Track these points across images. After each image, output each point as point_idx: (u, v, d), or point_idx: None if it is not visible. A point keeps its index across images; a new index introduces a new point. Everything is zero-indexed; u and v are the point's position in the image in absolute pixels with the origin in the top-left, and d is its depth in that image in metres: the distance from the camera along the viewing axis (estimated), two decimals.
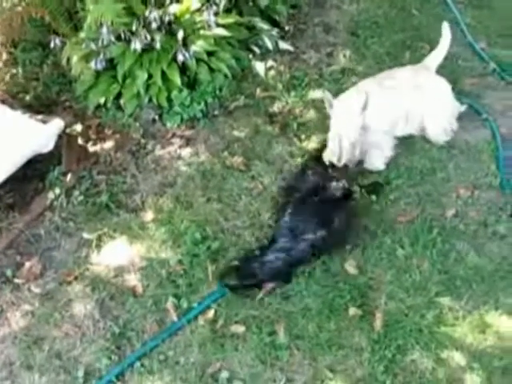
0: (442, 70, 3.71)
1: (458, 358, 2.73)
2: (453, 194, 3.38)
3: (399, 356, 2.74)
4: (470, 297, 2.93)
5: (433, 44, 4.17)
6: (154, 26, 3.69)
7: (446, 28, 3.69)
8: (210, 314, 2.93)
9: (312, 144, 3.67)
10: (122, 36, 3.71)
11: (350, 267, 3.06)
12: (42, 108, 3.86)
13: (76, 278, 3.13)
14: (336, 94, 3.90)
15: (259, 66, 4.12)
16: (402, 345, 2.77)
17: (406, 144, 3.62)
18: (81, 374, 2.78)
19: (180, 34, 3.69)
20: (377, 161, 3.51)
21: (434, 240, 3.15)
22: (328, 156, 3.39)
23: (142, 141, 3.77)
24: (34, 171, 3.53)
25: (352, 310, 2.89)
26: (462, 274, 3.02)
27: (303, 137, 3.73)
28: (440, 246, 3.13)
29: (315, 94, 3.97)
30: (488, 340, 2.77)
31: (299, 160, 3.58)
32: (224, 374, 2.73)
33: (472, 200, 3.35)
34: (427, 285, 2.98)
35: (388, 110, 3.50)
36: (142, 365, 2.79)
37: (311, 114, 3.86)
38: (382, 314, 2.87)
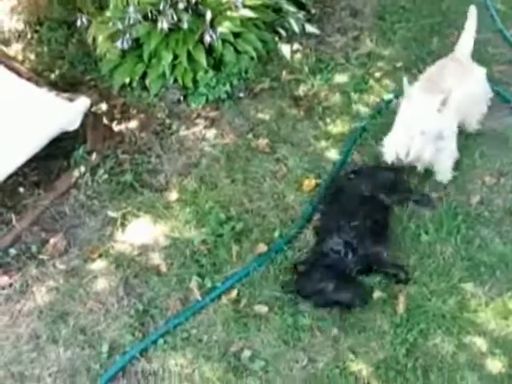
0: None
1: (479, 343, 2.74)
2: (478, 181, 3.36)
3: (421, 340, 2.76)
4: (493, 283, 2.93)
5: (461, 30, 4.14)
6: (180, 6, 3.68)
7: (472, 12, 3.61)
8: (234, 293, 2.95)
9: (337, 128, 3.66)
10: (149, 16, 3.71)
11: None
12: (67, 87, 3.86)
13: (100, 256, 3.16)
14: (362, 78, 3.92)
15: (285, 49, 4.11)
16: (424, 329, 2.79)
17: None
18: (105, 349, 2.82)
19: (208, 15, 3.68)
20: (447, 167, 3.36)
21: (458, 226, 3.14)
22: (393, 151, 3.19)
23: (167, 121, 3.78)
24: (60, 149, 3.53)
25: (376, 294, 2.91)
26: (485, 261, 3.01)
27: (328, 120, 3.71)
28: (464, 232, 3.12)
29: (341, 77, 3.95)
30: (510, 326, 2.78)
31: (324, 144, 3.58)
32: (246, 353, 2.76)
33: (497, 187, 3.33)
34: (450, 270, 2.98)
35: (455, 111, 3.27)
36: (165, 342, 2.83)
37: (336, 97, 3.84)
38: (404, 298, 2.88)
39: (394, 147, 3.19)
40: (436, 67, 3.50)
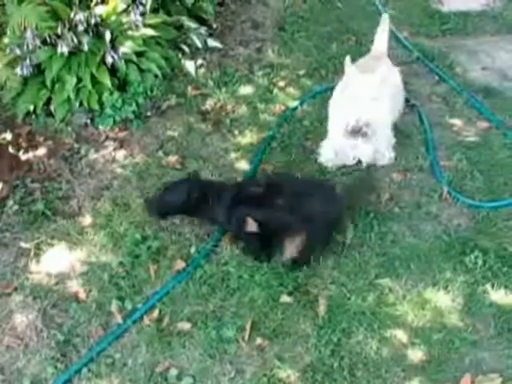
0: None
1: (400, 335, 2.81)
2: (386, 179, 3.48)
3: (344, 339, 2.80)
4: (409, 276, 3.02)
5: (358, 35, 4.32)
6: (80, 28, 3.65)
7: (385, 17, 3.83)
8: (155, 313, 2.91)
9: (245, 139, 3.70)
10: (48, 40, 3.65)
11: (290, 256, 3.09)
12: None
13: (15, 289, 3.05)
14: (267, 88, 3.98)
15: (189, 65, 4.14)
16: (346, 328, 2.83)
17: None
18: None
19: (107, 36, 3.66)
20: (388, 152, 3.55)
21: (370, 224, 3.23)
22: (331, 150, 3.39)
23: (75, 146, 3.72)
24: None
25: (295, 298, 2.94)
26: (399, 255, 3.11)
27: (236, 132, 3.76)
28: (377, 229, 3.21)
29: (246, 89, 4.01)
30: (427, 315, 2.86)
31: (233, 155, 3.61)
32: (173, 372, 2.72)
33: (405, 183, 3.45)
34: (367, 268, 3.06)
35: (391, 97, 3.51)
36: (90, 370, 2.75)
37: (243, 109, 3.90)
38: (324, 300, 2.93)
39: (336, 134, 3.38)
40: (361, 62, 3.66)
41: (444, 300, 2.91)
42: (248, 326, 2.84)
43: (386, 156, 3.54)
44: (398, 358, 2.74)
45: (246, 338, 2.81)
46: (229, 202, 3.00)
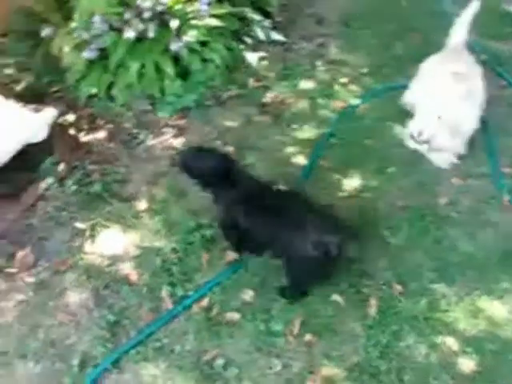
0: None
1: (451, 342, 2.76)
2: (445, 183, 3.40)
3: (394, 341, 2.77)
4: (463, 283, 2.96)
5: (422, 33, 4.24)
6: (146, 15, 3.69)
7: (475, 3, 3.73)
8: (205, 301, 2.93)
9: (304, 134, 3.68)
10: (115, 25, 3.69)
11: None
12: (33, 98, 3.82)
13: (70, 268, 3.12)
14: (328, 84, 3.95)
15: (251, 57, 4.13)
16: (396, 330, 2.80)
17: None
18: (76, 361, 2.77)
19: (174, 24, 3.68)
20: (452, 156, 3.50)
21: (426, 227, 3.18)
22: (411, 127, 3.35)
23: (135, 130, 3.77)
24: (26, 162, 3.47)
25: (346, 297, 2.91)
26: (454, 261, 3.05)
27: (295, 126, 3.74)
28: (433, 233, 3.16)
29: (307, 84, 3.98)
30: (480, 325, 2.80)
31: (291, 149, 3.59)
32: (219, 361, 2.74)
33: (465, 188, 3.38)
34: (421, 271, 3.01)
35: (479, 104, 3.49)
36: (138, 352, 2.79)
37: (303, 104, 3.87)
38: (376, 301, 2.89)
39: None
40: (438, 57, 3.61)
41: (499, 310, 2.84)
42: (297, 322, 2.83)
43: (449, 160, 3.47)
44: (448, 365, 2.69)
45: (295, 332, 2.80)
46: (233, 197, 2.87)
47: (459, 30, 3.71)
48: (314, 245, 2.65)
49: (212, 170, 2.84)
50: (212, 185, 2.90)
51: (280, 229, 2.74)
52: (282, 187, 3.23)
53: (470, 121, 3.39)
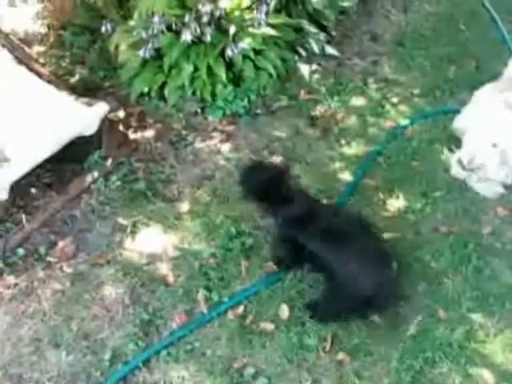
0: None
1: (486, 375, 2.71)
2: (490, 212, 3.35)
3: (427, 368, 2.73)
4: (502, 315, 2.91)
5: (479, 60, 4.18)
6: (204, 19, 3.70)
7: None
8: (240, 309, 2.93)
9: (352, 150, 3.66)
10: (173, 27, 3.73)
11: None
12: (85, 92, 3.87)
13: (108, 262, 3.15)
14: (379, 103, 3.93)
15: (304, 69, 4.13)
16: (430, 357, 2.76)
17: None
18: (107, 356, 2.80)
19: (232, 29, 3.70)
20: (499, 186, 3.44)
21: (468, 256, 3.13)
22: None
23: (183, 132, 3.79)
24: (74, 153, 3.51)
25: (383, 319, 2.88)
26: (495, 292, 3.00)
27: (343, 142, 3.72)
28: (475, 262, 3.11)
29: (358, 100, 3.96)
30: None
31: (338, 165, 3.57)
32: (250, 370, 2.74)
33: (510, 219, 3.32)
34: (460, 299, 2.96)
35: None
36: (169, 353, 2.81)
37: (353, 120, 3.85)
38: (412, 325, 2.86)
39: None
40: (493, 85, 3.55)
41: None
42: (330, 338, 2.81)
43: (496, 190, 3.42)
44: None
45: (327, 349, 2.78)
46: (292, 212, 2.87)
47: None
48: (374, 286, 2.69)
49: (272, 183, 2.85)
50: (271, 198, 2.89)
51: (343, 258, 2.75)
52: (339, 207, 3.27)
53: None
